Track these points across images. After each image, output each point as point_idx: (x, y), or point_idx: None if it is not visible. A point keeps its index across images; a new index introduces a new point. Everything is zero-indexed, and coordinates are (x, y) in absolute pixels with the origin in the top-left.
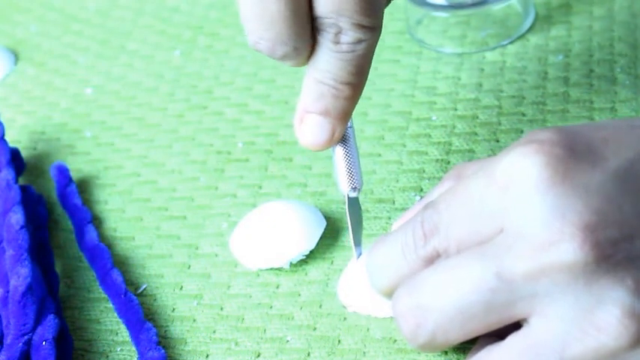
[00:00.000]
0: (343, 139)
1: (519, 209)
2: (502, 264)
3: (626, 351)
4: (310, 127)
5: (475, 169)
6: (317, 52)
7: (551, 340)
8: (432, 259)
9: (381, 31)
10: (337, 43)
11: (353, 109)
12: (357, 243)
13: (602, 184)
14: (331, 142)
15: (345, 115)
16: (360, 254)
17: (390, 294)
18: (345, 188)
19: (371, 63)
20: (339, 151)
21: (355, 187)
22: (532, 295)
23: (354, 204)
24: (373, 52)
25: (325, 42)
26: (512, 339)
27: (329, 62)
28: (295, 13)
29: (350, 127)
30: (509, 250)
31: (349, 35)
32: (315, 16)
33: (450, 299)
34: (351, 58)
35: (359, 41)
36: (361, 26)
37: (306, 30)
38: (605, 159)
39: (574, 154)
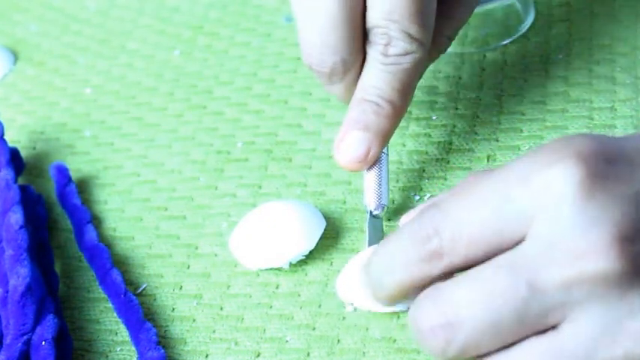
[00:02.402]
0: (377, 163)
1: (554, 217)
2: (534, 273)
3: None
4: (349, 142)
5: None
6: (366, 68)
7: (579, 346)
8: (434, 261)
9: (426, 51)
10: (386, 55)
11: (392, 131)
12: None
13: (638, 196)
14: (365, 161)
15: (383, 134)
16: None
17: (396, 298)
18: (370, 205)
19: (414, 86)
20: (370, 173)
21: (380, 205)
22: (564, 303)
23: (376, 223)
24: (418, 72)
25: (374, 54)
26: (535, 340)
27: (375, 75)
28: (348, 21)
29: (385, 153)
30: (540, 258)
31: (398, 46)
32: (368, 28)
33: (481, 313)
34: (396, 71)
35: (406, 53)
36: (410, 36)
37: (357, 43)
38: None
39: (610, 165)
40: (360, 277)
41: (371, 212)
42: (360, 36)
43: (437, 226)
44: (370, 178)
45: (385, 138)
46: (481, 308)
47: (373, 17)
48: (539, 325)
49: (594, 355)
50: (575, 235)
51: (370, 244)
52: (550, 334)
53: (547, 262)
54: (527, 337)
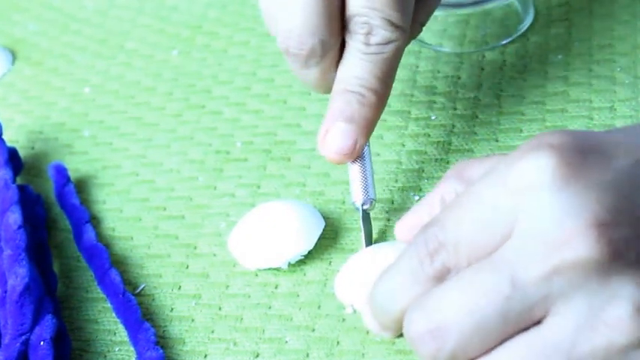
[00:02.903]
0: (360, 156)
1: (531, 211)
2: (515, 270)
3: (636, 348)
4: (334, 135)
5: (479, 173)
6: (345, 59)
7: (561, 339)
8: (443, 277)
9: (407, 37)
10: (367, 44)
11: (377, 119)
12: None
13: (614, 183)
14: (353, 153)
15: (369, 124)
16: None
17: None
18: (358, 201)
19: (395, 72)
20: (354, 167)
21: (369, 200)
22: (546, 296)
23: (366, 218)
24: (399, 58)
25: (355, 44)
26: (522, 338)
27: (357, 65)
28: (328, 4)
29: (367, 144)
30: (520, 253)
31: (379, 35)
32: (347, 17)
33: (466, 316)
34: (379, 60)
35: (388, 42)
36: (391, 23)
37: (335, 25)
38: (616, 158)
39: (585, 155)
40: (365, 310)
41: (361, 208)
42: (338, 20)
43: (440, 240)
44: (355, 172)
45: (371, 127)
46: (466, 312)
47: (354, 5)
48: (524, 321)
49: (577, 345)
50: (551, 226)
51: (367, 241)
52: (534, 330)
53: (527, 258)
54: (514, 335)
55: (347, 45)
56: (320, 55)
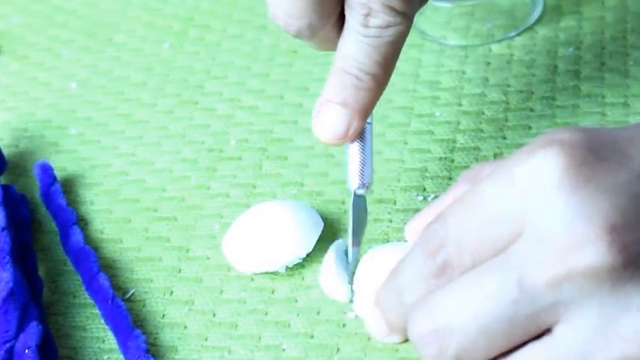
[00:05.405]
0: (360, 135)
1: (541, 213)
2: (523, 273)
3: None
4: (327, 117)
5: (489, 172)
6: (344, 37)
7: (573, 350)
8: (446, 274)
9: (411, 22)
10: (366, 26)
11: (373, 104)
12: (356, 244)
13: (628, 185)
14: (346, 137)
15: (364, 109)
16: (355, 256)
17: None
18: (353, 184)
19: (397, 57)
20: (353, 146)
21: (364, 184)
22: (555, 303)
23: (359, 203)
24: (401, 43)
25: (354, 24)
26: (532, 347)
27: (355, 47)
28: None
29: (369, 123)
30: (529, 256)
31: (379, 18)
32: None
33: (470, 318)
34: (378, 44)
35: (388, 26)
36: (392, 9)
37: (326, 7)
38: (630, 158)
39: (597, 154)
40: (369, 314)
41: (354, 192)
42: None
43: (442, 239)
44: (353, 153)
45: (367, 112)
46: (471, 314)
47: None
48: (532, 328)
49: (589, 357)
50: (562, 229)
51: (354, 226)
52: (545, 340)
53: (536, 261)
54: (523, 342)
55: (346, 20)
56: (310, 36)
